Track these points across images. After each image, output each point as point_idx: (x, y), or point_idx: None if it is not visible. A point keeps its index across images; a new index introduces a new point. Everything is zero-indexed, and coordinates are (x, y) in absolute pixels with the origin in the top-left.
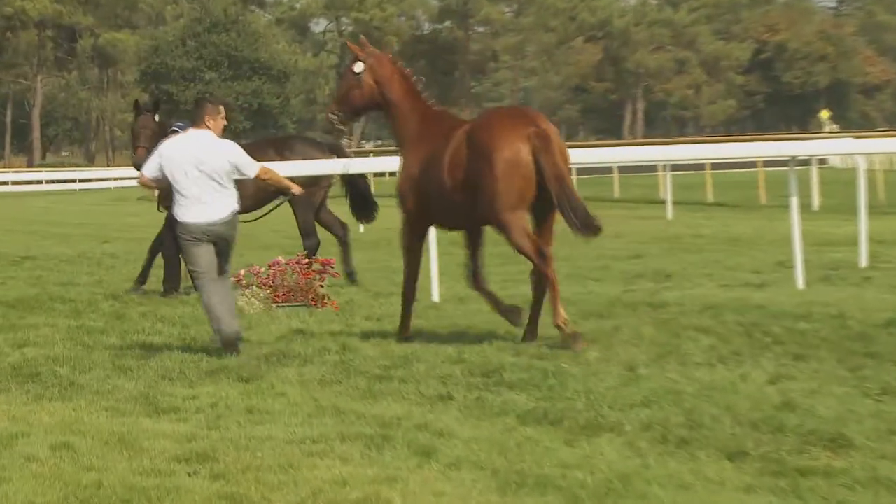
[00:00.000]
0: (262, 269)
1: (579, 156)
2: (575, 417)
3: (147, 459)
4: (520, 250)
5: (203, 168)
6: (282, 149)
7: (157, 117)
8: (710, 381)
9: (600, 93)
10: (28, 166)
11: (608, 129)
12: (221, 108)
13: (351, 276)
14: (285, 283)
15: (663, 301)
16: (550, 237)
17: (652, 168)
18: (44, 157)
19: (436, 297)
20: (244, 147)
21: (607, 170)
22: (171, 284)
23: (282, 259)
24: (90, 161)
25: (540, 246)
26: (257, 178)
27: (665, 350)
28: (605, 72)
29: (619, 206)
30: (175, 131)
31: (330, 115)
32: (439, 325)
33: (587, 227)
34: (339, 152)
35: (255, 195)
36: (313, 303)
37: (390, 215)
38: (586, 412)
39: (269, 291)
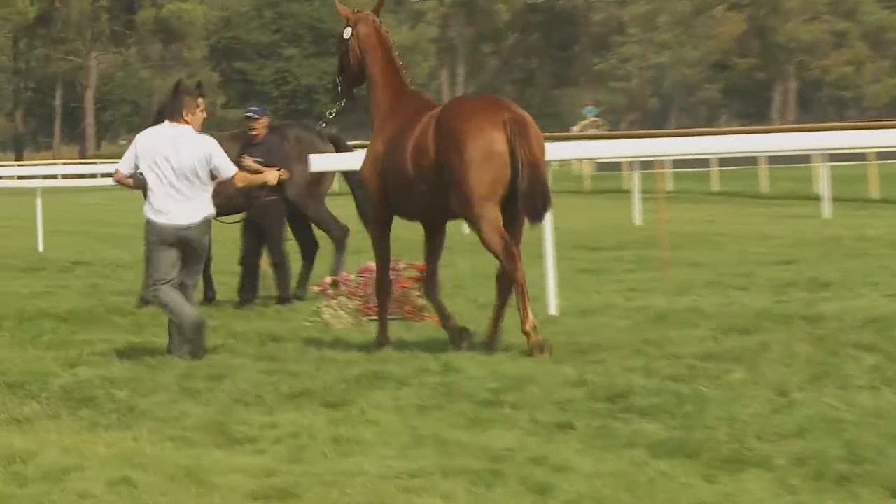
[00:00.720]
0: (352, 277)
1: (719, 144)
2: (716, 449)
3: (218, 497)
4: (487, 246)
5: (179, 166)
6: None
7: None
8: (875, 407)
9: (745, 70)
10: (80, 157)
11: (754, 112)
12: (201, 101)
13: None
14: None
15: (819, 314)
16: (520, 235)
17: (806, 159)
18: (98, 146)
19: (553, 310)
20: (232, 136)
21: (752, 160)
22: (248, 295)
23: (372, 265)
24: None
25: (508, 243)
26: (233, 184)
27: (822, 371)
28: (751, 46)
29: (768, 203)
30: (249, 118)
31: (335, 84)
32: (557, 342)
33: (538, 218)
34: (339, 143)
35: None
36: (410, 315)
37: None
38: (729, 443)
39: (359, 302)
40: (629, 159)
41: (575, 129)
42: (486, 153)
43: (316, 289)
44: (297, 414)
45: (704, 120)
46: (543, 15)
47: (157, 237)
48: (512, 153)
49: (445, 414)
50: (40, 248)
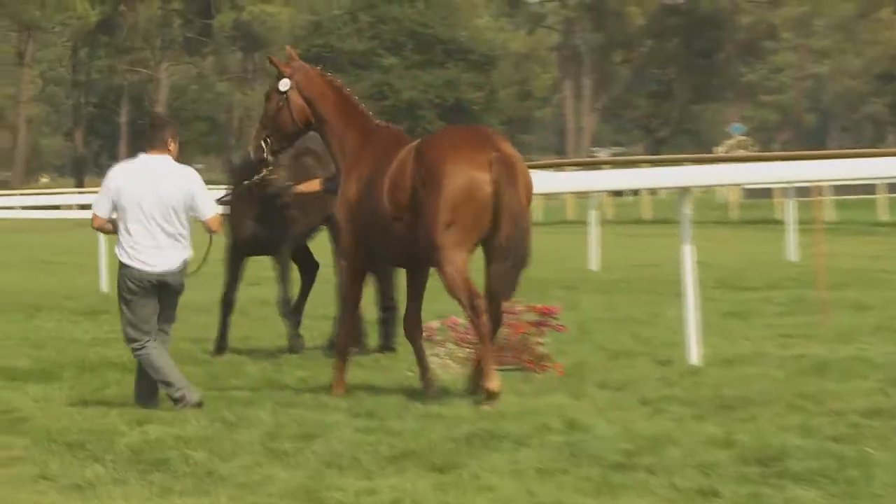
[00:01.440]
0: (461, 321)
1: (887, 168)
2: None
3: None
4: (451, 292)
5: (163, 202)
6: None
7: None
8: None
9: None
10: None
11: None
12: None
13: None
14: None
15: None
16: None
17: None
18: None
19: (694, 359)
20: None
21: None
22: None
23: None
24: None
25: (474, 293)
26: (207, 228)
27: None
28: None
29: None
30: None
31: (258, 143)
32: (700, 396)
33: (510, 287)
34: None
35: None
36: (530, 365)
37: (625, 245)
38: None
39: (470, 350)
40: (782, 185)
41: (720, 150)
42: (466, 195)
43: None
44: (398, 478)
45: (869, 139)
46: (683, 19)
47: (137, 284)
48: (495, 197)
49: (570, 479)
50: (103, 287)
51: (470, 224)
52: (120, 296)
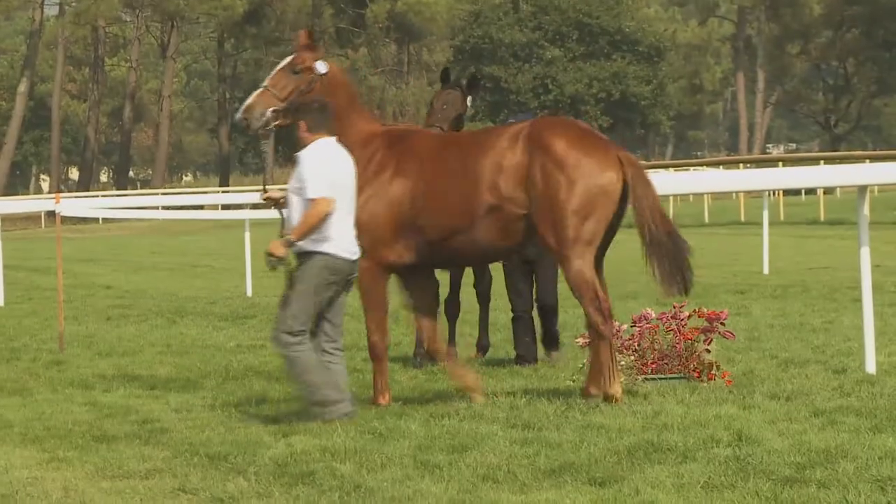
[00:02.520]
0: (625, 328)
1: None
2: None
3: None
4: (576, 288)
5: (352, 187)
6: None
7: (468, 100)
8: None
9: None
10: None
11: None
12: None
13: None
14: (656, 347)
15: None
16: (603, 284)
17: None
18: None
19: (871, 367)
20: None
21: None
22: (522, 351)
23: (651, 312)
24: None
25: (598, 293)
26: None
27: None
28: None
29: None
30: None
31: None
32: (876, 406)
33: (684, 284)
34: None
35: None
36: (696, 374)
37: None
38: None
39: (633, 358)
40: None
41: None
42: (602, 191)
43: (580, 341)
44: (556, 492)
45: None
46: (864, 8)
47: (335, 275)
48: (629, 195)
49: (738, 494)
50: (249, 292)
51: (603, 221)
52: (306, 287)
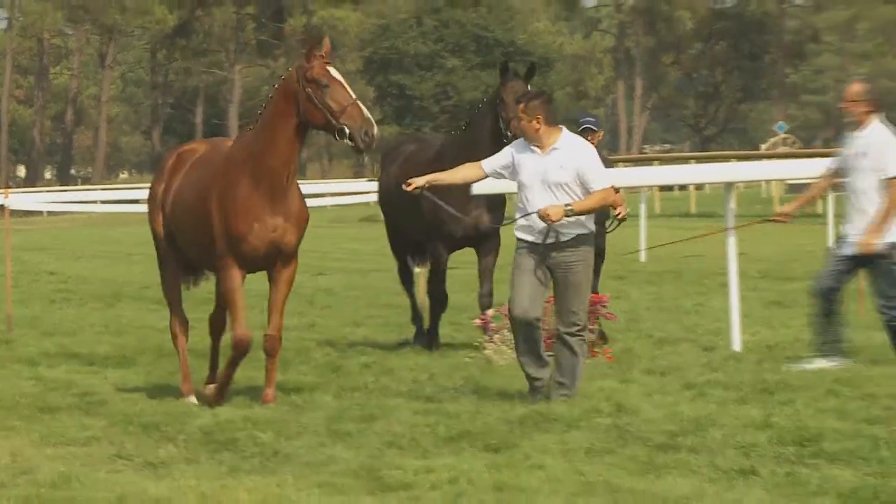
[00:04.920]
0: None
1: None
2: None
3: None
4: None
5: None
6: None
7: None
8: None
9: None
10: None
11: None
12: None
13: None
14: (545, 327)
15: None
16: None
17: None
18: None
19: (737, 346)
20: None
21: None
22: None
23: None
24: (301, 172)
25: None
26: None
27: None
28: None
29: None
30: (589, 129)
31: None
32: (741, 381)
33: None
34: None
35: None
36: None
37: (672, 238)
38: None
39: None
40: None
41: (764, 148)
42: None
43: (476, 322)
44: (455, 458)
45: None
46: (731, 23)
47: None
48: None
49: (617, 459)
50: None
51: None
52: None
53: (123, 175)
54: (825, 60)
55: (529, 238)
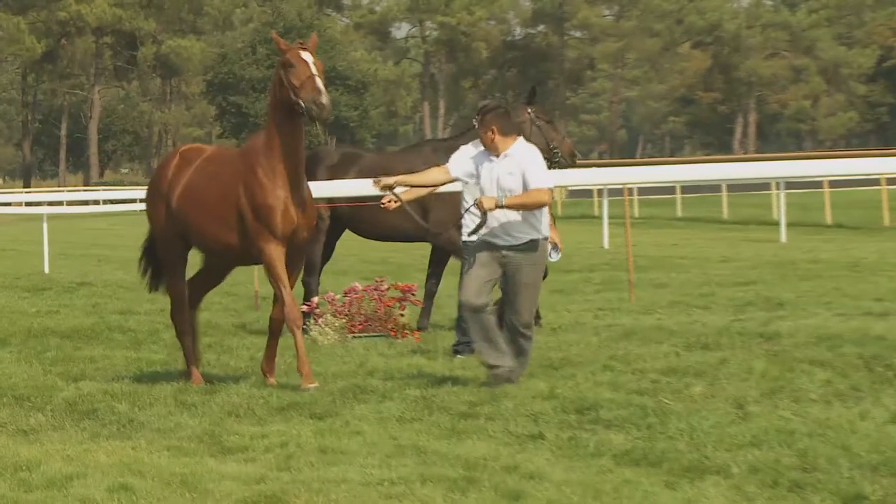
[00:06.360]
0: (338, 297)
1: (684, 173)
2: (677, 459)
3: (212, 502)
4: None
5: None
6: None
7: (530, 110)
8: (826, 419)
9: (708, 104)
10: (84, 184)
11: (717, 143)
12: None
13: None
14: (362, 312)
15: (775, 332)
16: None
17: (765, 186)
18: (101, 174)
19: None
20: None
21: (716, 188)
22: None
23: (358, 285)
24: None
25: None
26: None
27: (777, 385)
28: (714, 80)
29: (729, 228)
30: None
31: None
32: (529, 358)
33: None
34: None
35: None
36: (393, 333)
37: None
38: (689, 453)
39: (344, 321)
40: (599, 187)
41: None
42: None
43: (303, 307)
44: (285, 425)
45: (670, 150)
46: (520, 52)
47: None
48: None
49: (425, 425)
50: (46, 269)
51: None
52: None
53: None
54: (600, 85)
55: (467, 233)
